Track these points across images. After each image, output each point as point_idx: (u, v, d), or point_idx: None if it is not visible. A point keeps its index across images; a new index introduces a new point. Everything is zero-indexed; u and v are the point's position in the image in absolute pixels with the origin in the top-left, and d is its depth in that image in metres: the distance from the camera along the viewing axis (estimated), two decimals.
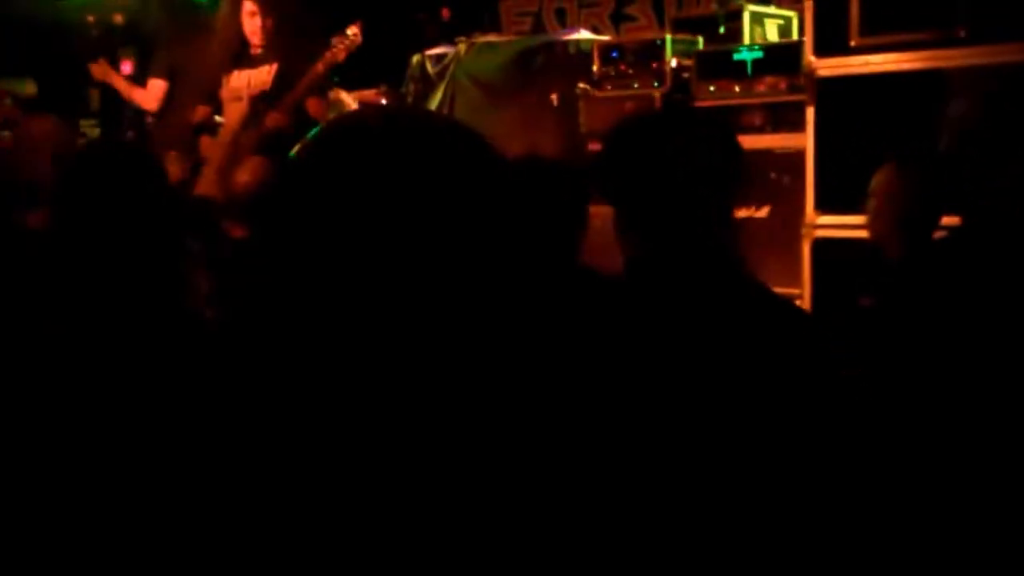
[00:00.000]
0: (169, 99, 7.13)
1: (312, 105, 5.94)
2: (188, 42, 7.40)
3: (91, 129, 9.12)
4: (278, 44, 5.98)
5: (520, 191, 1.28)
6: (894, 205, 3.57)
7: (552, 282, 2.11)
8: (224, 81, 6.20)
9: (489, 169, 1.17)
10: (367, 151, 1.08)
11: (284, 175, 1.11)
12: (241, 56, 6.15)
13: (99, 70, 7.51)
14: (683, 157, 1.96)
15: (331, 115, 7.91)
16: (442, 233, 1.07)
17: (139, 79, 7.56)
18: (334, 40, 5.87)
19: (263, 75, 5.97)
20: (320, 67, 5.80)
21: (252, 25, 5.99)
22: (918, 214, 3.59)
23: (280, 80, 5.88)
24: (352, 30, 5.90)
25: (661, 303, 1.90)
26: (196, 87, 6.68)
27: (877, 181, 3.65)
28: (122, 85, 7.42)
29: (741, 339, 1.82)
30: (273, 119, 5.69)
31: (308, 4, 6.19)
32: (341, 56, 5.92)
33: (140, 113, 7.48)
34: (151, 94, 7.26)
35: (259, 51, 6.07)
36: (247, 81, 6.06)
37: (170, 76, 7.16)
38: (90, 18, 8.09)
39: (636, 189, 2.00)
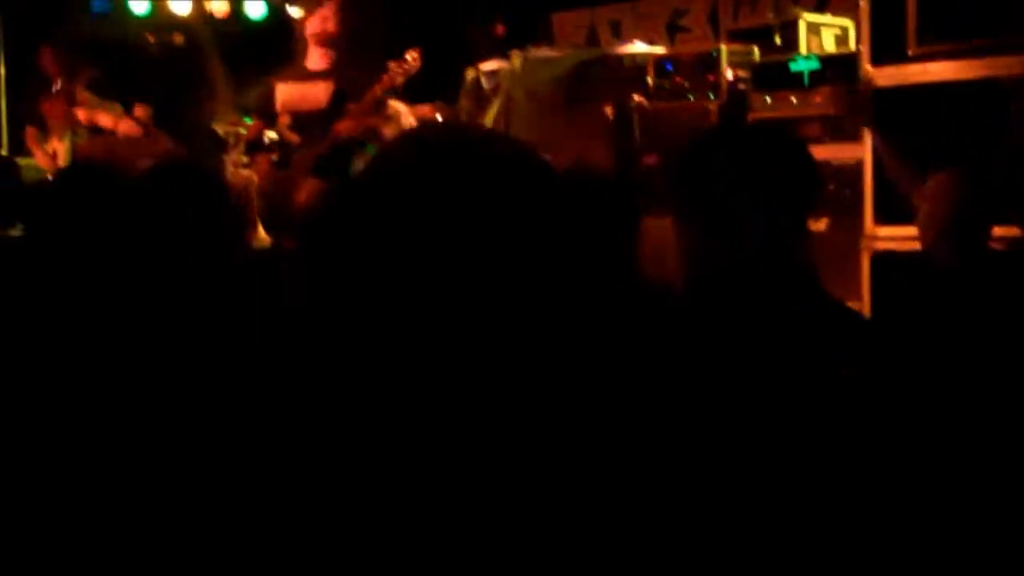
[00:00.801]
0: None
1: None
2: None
3: None
4: (338, 64, 6.01)
5: (573, 207, 1.27)
6: (945, 210, 3.50)
7: (610, 297, 2.07)
8: (274, 94, 6.22)
9: (544, 190, 1.16)
10: (427, 173, 1.10)
11: (348, 195, 1.13)
12: (291, 69, 6.18)
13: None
14: (757, 171, 1.94)
15: (388, 128, 7.98)
16: (500, 252, 1.08)
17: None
18: (392, 64, 5.91)
19: (319, 92, 6.00)
20: (378, 91, 5.84)
21: (316, 46, 6.03)
22: (969, 220, 3.52)
23: (336, 100, 5.91)
24: (411, 55, 5.94)
25: (734, 324, 1.87)
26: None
27: (928, 187, 3.59)
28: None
29: (819, 360, 1.79)
30: (343, 127, 5.68)
31: (370, 26, 6.23)
32: (399, 80, 5.96)
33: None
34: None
35: (318, 68, 6.10)
36: (301, 95, 6.08)
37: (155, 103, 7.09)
38: (150, 37, 8.23)
39: (709, 205, 1.97)
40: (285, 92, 6.17)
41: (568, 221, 1.18)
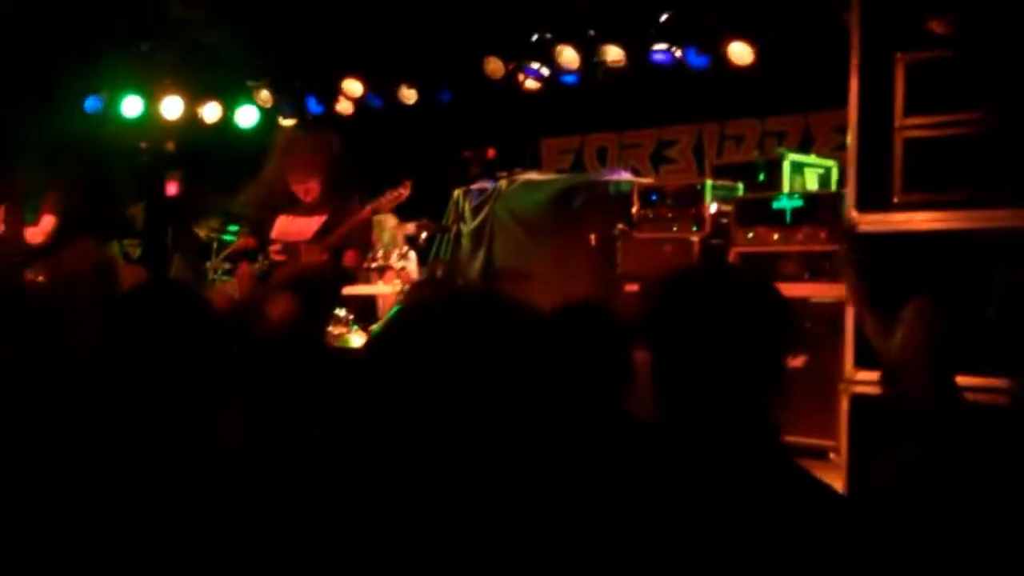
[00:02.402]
0: (59, 235, 6.99)
1: (349, 257, 6.03)
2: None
3: (133, 248, 9.29)
4: (328, 197, 6.08)
5: (560, 353, 1.41)
6: (923, 336, 3.50)
7: (581, 430, 2.06)
8: (273, 222, 6.28)
9: (533, 338, 1.30)
10: (434, 335, 1.33)
11: (371, 349, 1.35)
12: (294, 202, 6.23)
13: None
14: (729, 317, 1.91)
15: (377, 237, 8.02)
16: (494, 395, 1.33)
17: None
18: (386, 192, 6.00)
19: (313, 225, 6.06)
20: (365, 215, 5.90)
21: (301, 186, 6.10)
22: (946, 349, 3.52)
23: (325, 227, 5.97)
24: (405, 185, 6.04)
25: (677, 467, 1.83)
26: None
27: (908, 312, 3.58)
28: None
29: (749, 517, 1.74)
30: (309, 256, 5.75)
31: (359, 158, 6.33)
32: (386, 208, 6.05)
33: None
34: (40, 229, 7.12)
35: (311, 202, 6.15)
36: (295, 228, 6.14)
37: (62, 213, 7.05)
38: (143, 144, 8.29)
39: (676, 345, 1.95)
40: (283, 223, 6.22)
41: (551, 366, 1.44)
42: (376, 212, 6.04)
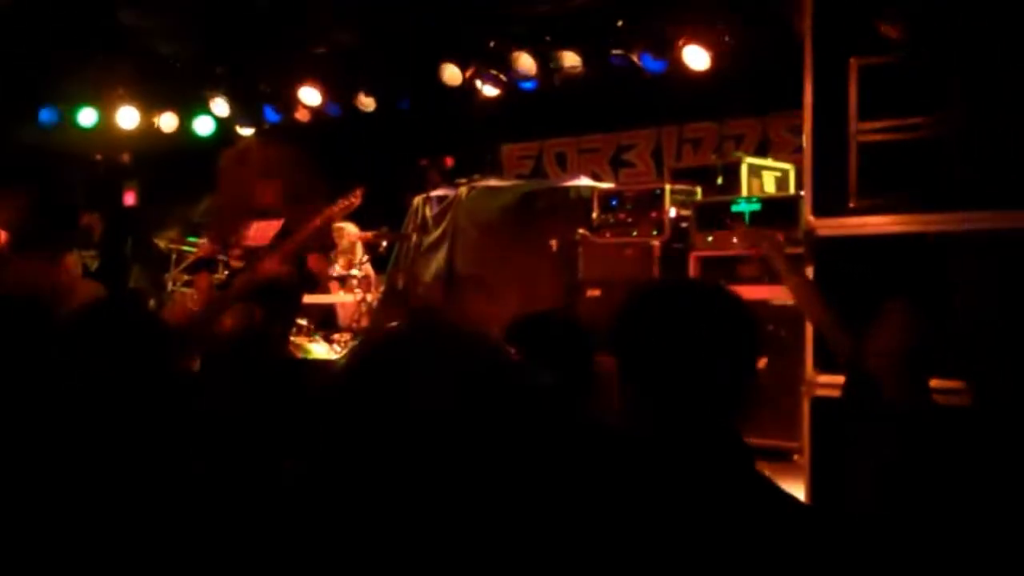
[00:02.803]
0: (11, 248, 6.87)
1: (313, 260, 6.03)
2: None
3: (91, 260, 9.19)
4: (285, 202, 6.06)
5: (517, 376, 1.42)
6: (901, 337, 3.53)
7: (548, 440, 2.05)
8: (241, 229, 6.25)
9: (498, 376, 1.30)
10: (400, 369, 1.34)
11: (339, 379, 1.37)
12: (250, 209, 6.21)
13: None
14: (693, 330, 1.91)
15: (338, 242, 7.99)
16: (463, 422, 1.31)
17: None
18: (339, 200, 6.00)
19: (270, 230, 6.05)
20: (318, 222, 5.90)
21: (259, 193, 6.09)
22: (922, 350, 3.56)
23: (281, 233, 5.96)
24: (356, 193, 6.04)
25: (644, 476, 1.83)
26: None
27: (886, 313, 3.61)
28: None
29: (716, 528, 1.75)
30: (267, 266, 5.72)
31: (316, 164, 6.32)
32: (338, 216, 6.06)
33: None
34: None
35: (268, 207, 6.14)
36: (252, 233, 6.13)
37: (15, 227, 6.95)
38: (98, 155, 8.22)
39: (642, 359, 1.95)
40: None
41: (514, 395, 1.39)
42: (328, 220, 6.03)
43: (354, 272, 8.17)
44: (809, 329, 4.52)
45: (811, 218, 4.45)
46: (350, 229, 8.29)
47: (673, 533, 1.75)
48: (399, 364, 1.31)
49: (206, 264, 6.68)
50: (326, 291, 8.24)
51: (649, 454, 1.88)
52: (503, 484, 1.28)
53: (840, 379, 4.14)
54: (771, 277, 6.51)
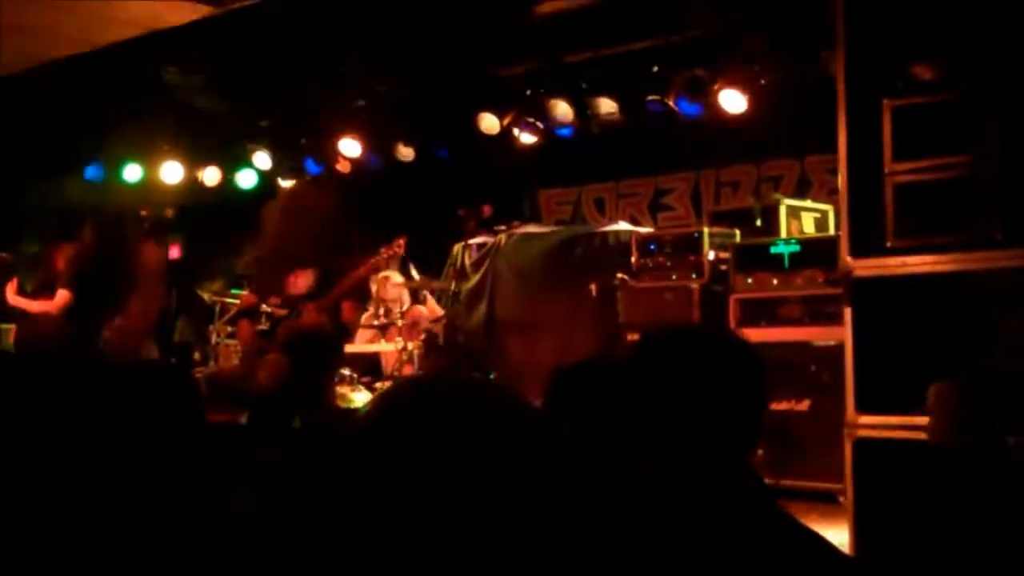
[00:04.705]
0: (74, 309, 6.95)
1: (347, 309, 6.10)
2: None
3: None
4: (320, 252, 6.16)
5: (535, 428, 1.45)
6: (947, 421, 3.54)
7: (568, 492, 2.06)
8: (284, 278, 6.36)
9: (515, 428, 1.31)
10: (418, 418, 1.34)
11: (356, 431, 1.37)
12: (291, 258, 6.31)
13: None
14: (702, 379, 1.93)
15: (381, 290, 8.07)
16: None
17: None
18: (382, 249, 6.08)
19: (303, 279, 6.13)
20: (362, 272, 5.97)
21: (303, 242, 6.20)
22: (975, 423, 3.55)
23: (321, 282, 6.04)
24: (398, 242, 6.12)
25: (662, 518, 1.85)
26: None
27: (929, 399, 3.63)
28: (22, 303, 7.24)
29: (736, 564, 1.75)
30: (309, 318, 5.80)
31: (357, 213, 6.43)
32: (383, 265, 6.13)
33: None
34: (56, 303, 7.08)
35: (305, 257, 6.24)
36: (295, 280, 6.21)
37: (76, 288, 7.03)
38: (143, 211, 8.37)
39: (651, 403, 1.97)
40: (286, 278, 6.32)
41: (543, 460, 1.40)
42: (373, 270, 6.12)
43: (395, 320, 8.23)
44: (850, 370, 4.49)
45: (848, 259, 4.43)
46: (395, 278, 8.36)
47: (685, 572, 1.76)
48: (416, 413, 1.33)
49: (248, 314, 6.77)
50: (369, 339, 8.31)
51: (662, 495, 1.89)
52: (518, 535, 1.30)
53: (884, 419, 4.13)
54: (812, 318, 6.52)
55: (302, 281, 6.11)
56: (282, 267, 6.31)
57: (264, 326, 6.47)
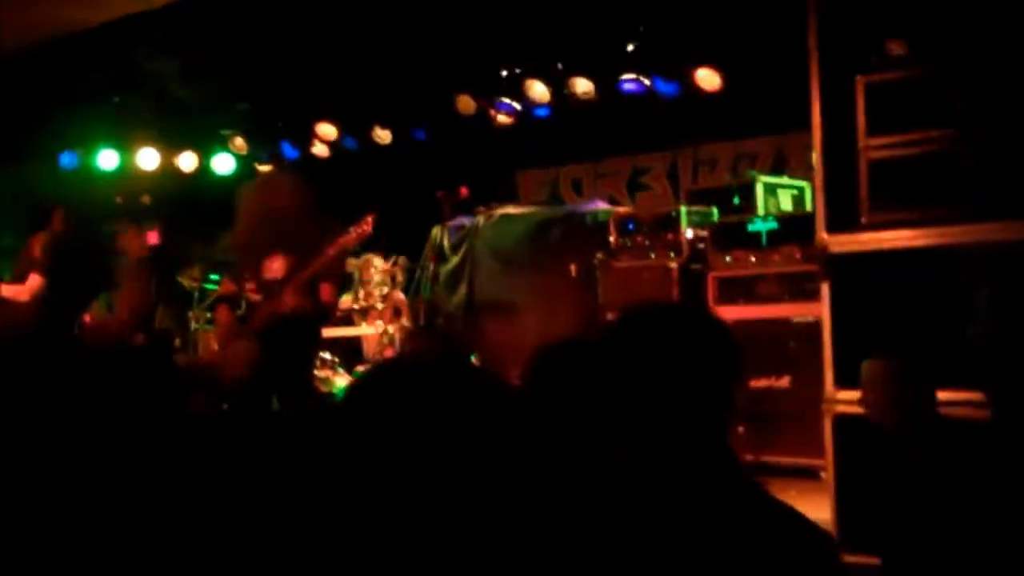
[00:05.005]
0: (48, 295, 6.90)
1: (325, 291, 6.09)
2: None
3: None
4: (294, 238, 6.15)
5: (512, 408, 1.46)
6: (882, 398, 3.60)
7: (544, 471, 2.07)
8: (262, 264, 6.34)
9: (492, 411, 1.34)
10: (395, 404, 1.38)
11: (338, 410, 1.41)
12: (269, 242, 6.30)
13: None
14: (677, 356, 1.94)
15: (359, 272, 8.06)
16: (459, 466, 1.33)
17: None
18: (351, 228, 6.07)
19: (283, 264, 6.13)
20: (331, 251, 5.96)
21: (279, 226, 6.18)
22: (909, 400, 3.61)
23: (295, 264, 6.03)
24: (367, 220, 6.11)
25: (640, 496, 1.86)
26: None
27: (863, 375, 3.70)
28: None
29: (712, 541, 1.77)
30: (287, 302, 5.80)
31: (336, 199, 6.41)
32: (352, 243, 6.12)
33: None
34: (27, 288, 7.02)
35: (280, 242, 6.22)
36: (271, 266, 6.21)
37: (48, 274, 6.97)
38: (118, 198, 8.33)
39: (629, 384, 1.97)
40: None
41: (516, 435, 1.44)
42: (343, 249, 6.10)
43: (376, 303, 8.22)
44: (828, 346, 4.52)
45: (824, 235, 4.46)
46: (376, 261, 8.35)
47: (664, 548, 1.77)
48: (391, 393, 1.34)
49: (227, 300, 6.76)
50: (351, 323, 8.30)
51: (639, 475, 1.91)
52: (492, 514, 1.31)
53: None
54: (791, 295, 6.54)
55: (277, 266, 6.10)
56: (257, 253, 6.29)
57: (241, 311, 6.46)
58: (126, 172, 10.19)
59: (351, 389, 1.39)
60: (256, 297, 6.10)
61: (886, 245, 4.27)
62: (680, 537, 1.79)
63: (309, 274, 5.96)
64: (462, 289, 8.25)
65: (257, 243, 6.33)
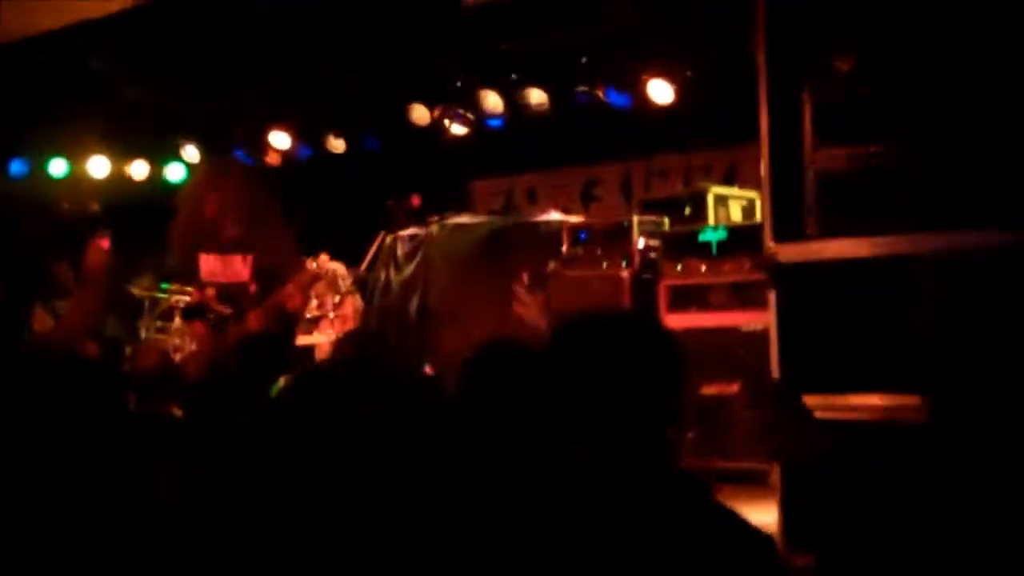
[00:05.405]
0: None
1: (290, 303, 6.08)
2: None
3: (64, 309, 9.17)
4: (252, 236, 6.11)
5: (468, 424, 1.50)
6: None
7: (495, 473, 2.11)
8: (198, 261, 6.30)
9: (434, 408, 1.40)
10: (331, 404, 1.46)
11: (273, 409, 1.44)
12: (213, 238, 6.26)
13: None
14: (619, 364, 1.97)
15: (311, 279, 8.05)
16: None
17: None
18: (308, 263, 6.06)
19: (237, 265, 6.08)
20: (299, 291, 5.95)
21: (221, 219, 6.14)
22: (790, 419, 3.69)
23: (261, 276, 6.00)
24: (322, 259, 6.11)
25: (581, 500, 1.89)
26: None
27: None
28: None
29: (654, 543, 1.80)
30: (255, 320, 5.78)
31: (281, 198, 6.39)
32: (308, 282, 6.14)
33: None
34: None
35: (234, 237, 6.19)
36: (225, 269, 6.16)
37: None
38: (65, 204, 8.26)
39: (571, 386, 2.00)
40: (207, 263, 6.24)
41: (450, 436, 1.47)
42: (307, 286, 6.09)
43: (328, 312, 8.21)
44: (775, 353, 4.60)
45: (771, 244, 4.54)
46: (340, 269, 8.33)
47: (602, 549, 1.80)
48: (327, 388, 1.39)
49: (196, 313, 6.70)
50: (305, 332, 8.28)
51: (579, 476, 1.94)
52: (424, 501, 1.36)
53: (810, 401, 4.24)
54: (740, 303, 6.63)
55: (234, 269, 6.06)
56: (197, 248, 6.26)
57: (212, 321, 6.42)
58: (76, 180, 10.10)
59: (277, 397, 1.44)
60: (224, 309, 6.07)
61: (832, 254, 4.35)
62: (620, 538, 1.82)
63: (276, 301, 5.94)
64: (415, 299, 8.27)
65: (197, 239, 6.29)
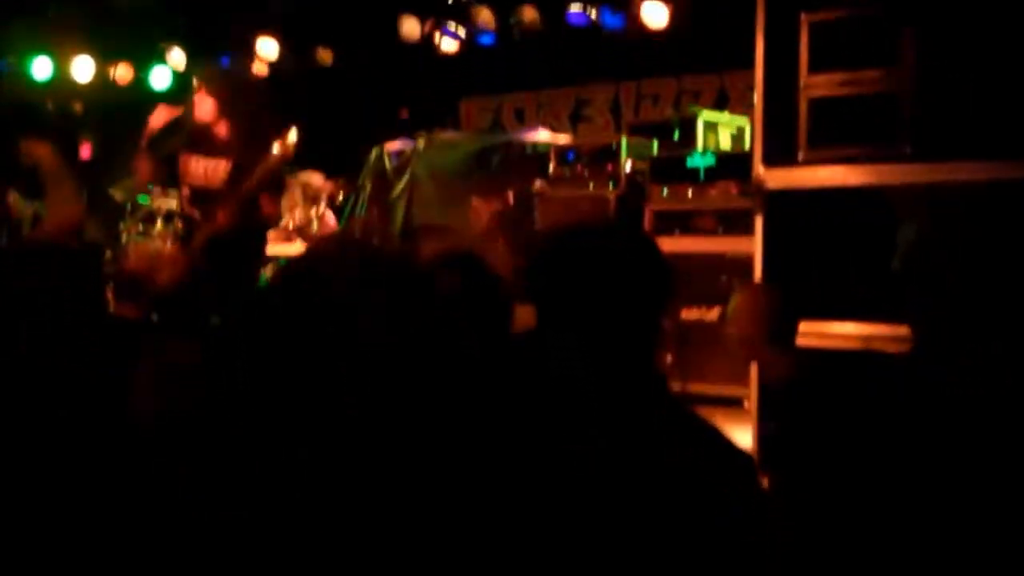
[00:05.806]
0: None
1: (265, 203, 6.04)
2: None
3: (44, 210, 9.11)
4: (234, 140, 6.07)
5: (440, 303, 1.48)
6: (753, 326, 3.67)
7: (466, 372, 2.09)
8: (184, 165, 6.27)
9: (414, 292, 1.35)
10: (320, 288, 1.40)
11: (261, 300, 1.45)
12: (199, 143, 6.22)
13: None
14: (603, 273, 1.96)
15: (298, 192, 7.99)
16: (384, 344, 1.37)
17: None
18: (278, 143, 6.02)
19: (220, 168, 6.05)
20: (268, 167, 5.91)
21: (211, 124, 6.09)
22: (777, 332, 3.67)
23: (234, 175, 5.97)
24: (289, 132, 6.05)
25: (565, 417, 1.88)
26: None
27: (732, 305, 3.76)
28: None
29: (647, 465, 1.80)
30: (225, 215, 5.75)
31: (265, 102, 6.33)
32: (287, 156, 6.08)
33: None
34: None
35: (218, 143, 6.15)
36: (202, 170, 6.13)
37: None
38: (49, 104, 8.16)
39: (554, 301, 1.99)
40: (190, 165, 6.21)
41: (436, 317, 1.49)
42: (277, 164, 6.04)
43: (313, 224, 8.18)
44: (759, 279, 4.60)
45: (761, 169, 4.52)
46: (316, 180, 8.29)
47: (606, 472, 1.81)
48: (315, 275, 1.38)
49: (174, 216, 6.67)
50: (288, 241, 8.25)
51: (563, 394, 1.93)
52: (415, 403, 1.35)
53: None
54: (725, 229, 6.63)
55: (211, 172, 6.03)
56: (186, 149, 6.22)
57: (178, 227, 6.39)
58: (61, 82, 9.97)
59: (266, 286, 1.43)
60: (195, 212, 6.04)
61: (821, 182, 4.33)
62: (606, 448, 1.82)
63: (248, 192, 5.91)
64: (400, 213, 8.24)
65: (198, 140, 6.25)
